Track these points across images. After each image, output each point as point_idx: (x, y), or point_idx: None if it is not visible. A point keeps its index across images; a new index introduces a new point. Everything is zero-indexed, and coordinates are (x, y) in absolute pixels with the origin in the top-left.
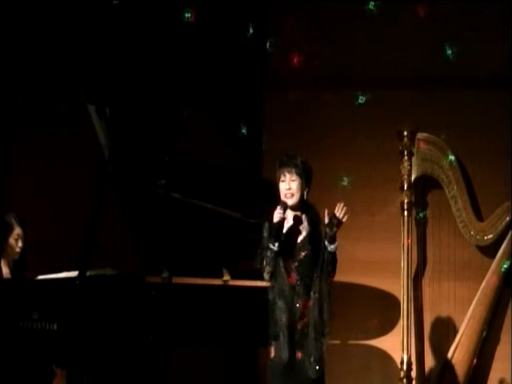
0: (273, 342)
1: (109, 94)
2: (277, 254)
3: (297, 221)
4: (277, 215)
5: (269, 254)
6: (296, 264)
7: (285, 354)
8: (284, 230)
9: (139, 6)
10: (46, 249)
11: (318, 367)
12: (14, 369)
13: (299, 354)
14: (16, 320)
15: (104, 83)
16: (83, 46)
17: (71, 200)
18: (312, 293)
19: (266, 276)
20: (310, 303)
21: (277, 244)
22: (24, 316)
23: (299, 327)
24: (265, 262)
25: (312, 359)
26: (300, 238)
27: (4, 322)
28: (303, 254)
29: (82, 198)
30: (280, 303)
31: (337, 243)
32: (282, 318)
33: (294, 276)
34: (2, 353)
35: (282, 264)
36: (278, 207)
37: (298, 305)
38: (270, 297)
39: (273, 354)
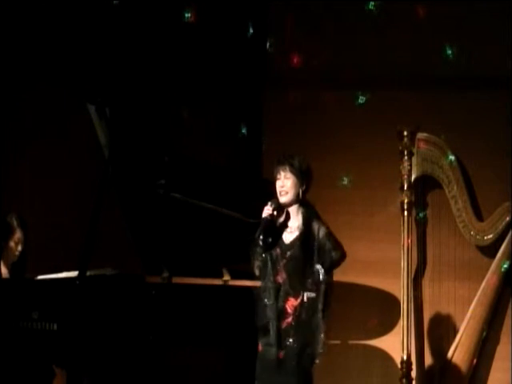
0: (260, 338)
1: (109, 93)
2: (265, 249)
3: (287, 219)
4: (265, 211)
5: (258, 249)
6: (284, 262)
7: (273, 352)
8: (277, 228)
9: (139, 6)
10: (46, 249)
11: (295, 370)
12: (14, 369)
13: (281, 354)
14: (16, 320)
15: (104, 83)
16: (83, 46)
17: (71, 200)
18: (301, 296)
19: (255, 271)
20: (297, 304)
21: (262, 238)
22: (24, 316)
23: (283, 326)
24: (254, 257)
25: (293, 361)
26: (291, 238)
27: (4, 322)
28: (291, 253)
29: (82, 197)
30: (267, 301)
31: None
32: (269, 315)
33: (282, 274)
34: (2, 353)
35: (269, 261)
36: (269, 203)
37: (282, 304)
38: (257, 293)
39: (260, 349)
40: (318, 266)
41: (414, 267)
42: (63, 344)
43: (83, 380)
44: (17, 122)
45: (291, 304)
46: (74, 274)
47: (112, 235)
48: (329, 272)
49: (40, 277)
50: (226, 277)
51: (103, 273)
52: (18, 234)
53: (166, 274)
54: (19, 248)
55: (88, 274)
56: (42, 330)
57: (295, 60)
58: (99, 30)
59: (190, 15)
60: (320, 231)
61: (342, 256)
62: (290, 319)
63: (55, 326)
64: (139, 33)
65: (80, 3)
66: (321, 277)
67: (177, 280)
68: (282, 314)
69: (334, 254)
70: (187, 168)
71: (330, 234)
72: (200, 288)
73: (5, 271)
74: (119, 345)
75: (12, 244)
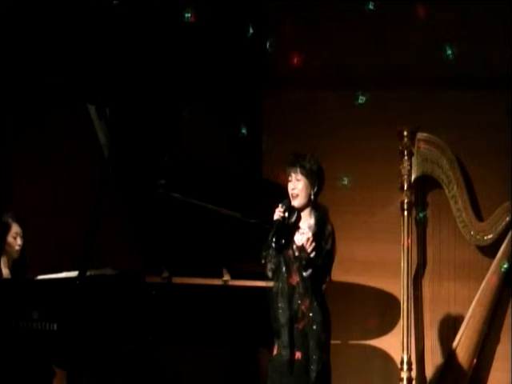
0: (275, 340)
1: (109, 93)
2: (277, 251)
3: (298, 220)
4: (277, 213)
5: (270, 251)
6: (297, 264)
7: (286, 354)
8: (289, 229)
9: (139, 5)
10: (46, 249)
11: (316, 370)
12: (14, 369)
13: (298, 355)
14: (16, 320)
15: (104, 83)
16: (83, 46)
17: (71, 200)
18: (308, 295)
19: (268, 273)
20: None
21: (274, 240)
22: (24, 316)
23: (300, 327)
24: (267, 259)
25: (311, 361)
26: (304, 239)
27: (4, 322)
28: (305, 255)
29: (82, 197)
30: (280, 302)
31: (310, 271)
32: (282, 317)
33: (295, 276)
34: (2, 353)
35: (283, 263)
36: (280, 205)
37: (297, 305)
38: (271, 295)
39: (275, 352)
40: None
41: (414, 267)
42: (63, 344)
43: (83, 380)
44: (16, 122)
45: (307, 306)
46: (74, 274)
47: (112, 235)
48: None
49: (40, 277)
50: (226, 277)
51: (103, 273)
52: (16, 229)
53: (166, 274)
54: (19, 242)
55: (88, 274)
56: (41, 330)
57: (295, 60)
58: (99, 30)
59: (190, 15)
60: (328, 242)
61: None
62: (306, 321)
63: (55, 326)
64: (139, 33)
65: (80, 3)
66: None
67: (177, 280)
68: (296, 316)
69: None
70: (187, 168)
71: (330, 254)
72: (200, 288)
73: (6, 271)
74: (119, 345)
75: (11, 239)
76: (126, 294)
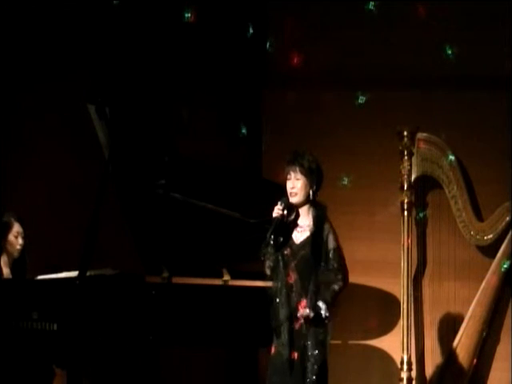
0: (274, 340)
1: (109, 93)
2: (276, 249)
3: (297, 217)
4: (276, 210)
5: (269, 249)
6: (295, 262)
7: (285, 353)
8: (287, 227)
9: (139, 5)
10: (46, 249)
11: (312, 370)
12: (14, 369)
13: (295, 355)
14: (16, 320)
15: (104, 83)
16: (84, 46)
17: (71, 200)
18: (305, 294)
19: (266, 271)
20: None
21: (273, 238)
22: (24, 316)
23: (297, 327)
24: (265, 257)
25: (309, 362)
26: (302, 238)
27: (4, 322)
28: (302, 253)
29: (82, 197)
30: (279, 301)
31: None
32: (281, 315)
33: (293, 275)
34: (2, 353)
35: (281, 262)
36: (279, 203)
37: (295, 305)
38: (270, 294)
39: (273, 351)
40: (320, 303)
41: (414, 267)
42: (63, 344)
43: (83, 380)
44: (16, 122)
45: (304, 305)
46: (74, 274)
47: (112, 235)
48: (332, 304)
49: (40, 277)
50: (226, 277)
51: (103, 273)
52: (17, 228)
53: (165, 274)
54: (20, 241)
55: (88, 274)
56: (41, 330)
57: (295, 60)
58: (100, 30)
59: (190, 15)
60: (329, 241)
61: (344, 285)
62: (302, 320)
63: (55, 326)
64: (139, 33)
65: (80, 3)
66: (323, 313)
67: (177, 280)
68: (295, 314)
69: (335, 286)
70: (187, 168)
71: (338, 250)
72: (200, 288)
73: (6, 271)
74: (119, 345)
75: (12, 238)
76: (126, 294)
